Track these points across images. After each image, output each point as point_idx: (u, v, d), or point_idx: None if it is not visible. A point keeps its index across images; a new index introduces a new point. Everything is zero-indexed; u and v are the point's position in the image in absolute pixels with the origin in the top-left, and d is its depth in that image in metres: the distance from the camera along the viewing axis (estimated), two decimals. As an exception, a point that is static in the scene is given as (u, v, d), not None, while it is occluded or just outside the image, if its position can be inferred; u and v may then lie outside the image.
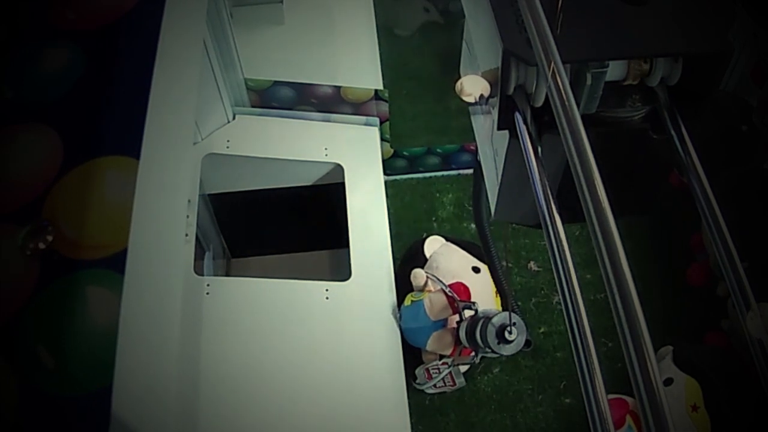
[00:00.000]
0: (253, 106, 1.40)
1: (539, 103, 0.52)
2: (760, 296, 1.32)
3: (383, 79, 1.48)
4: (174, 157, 0.80)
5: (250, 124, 1.37)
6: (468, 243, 1.32)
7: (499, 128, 0.54)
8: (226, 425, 1.03)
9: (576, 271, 0.44)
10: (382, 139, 1.42)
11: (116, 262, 0.71)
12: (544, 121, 0.52)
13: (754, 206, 1.29)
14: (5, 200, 0.78)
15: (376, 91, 1.38)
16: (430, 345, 1.18)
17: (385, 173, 1.37)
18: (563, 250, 0.43)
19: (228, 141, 1.33)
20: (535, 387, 1.36)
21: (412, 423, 1.07)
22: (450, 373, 1.22)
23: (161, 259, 0.74)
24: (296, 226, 1.55)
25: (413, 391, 1.22)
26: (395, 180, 1.58)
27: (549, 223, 0.45)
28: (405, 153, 1.56)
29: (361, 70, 1.47)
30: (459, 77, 0.57)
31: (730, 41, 0.50)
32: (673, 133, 0.54)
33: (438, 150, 1.56)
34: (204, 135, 1.32)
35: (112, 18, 0.92)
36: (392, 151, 1.53)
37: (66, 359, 0.67)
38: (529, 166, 0.50)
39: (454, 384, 1.25)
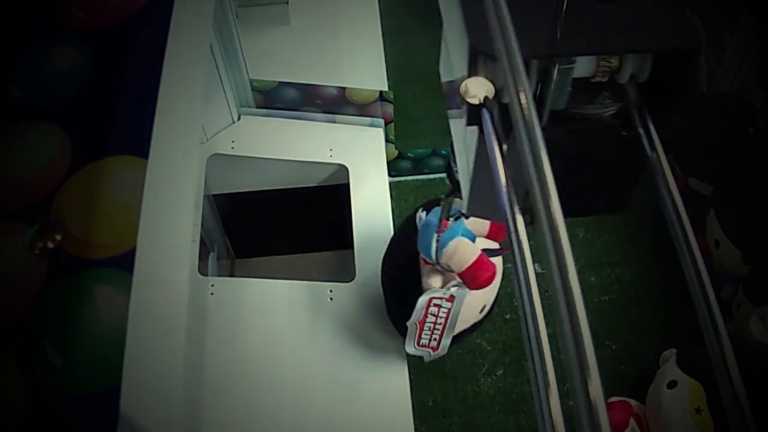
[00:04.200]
0: (257, 107, 1.40)
1: (507, 99, 0.51)
2: (763, 299, 1.32)
3: (388, 80, 1.48)
4: (182, 158, 0.80)
5: (254, 124, 1.38)
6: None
7: (469, 124, 0.54)
8: (230, 424, 1.03)
9: (535, 268, 0.43)
10: (387, 141, 1.42)
11: (124, 262, 0.71)
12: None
13: (758, 209, 1.29)
14: (13, 198, 0.78)
15: (381, 92, 1.39)
16: (447, 254, 0.97)
17: (389, 174, 1.38)
18: (523, 248, 0.42)
19: (233, 141, 1.34)
20: (539, 389, 1.36)
21: (415, 425, 1.07)
22: (444, 325, 1.01)
23: (169, 258, 0.74)
24: (300, 227, 1.55)
25: (416, 393, 1.21)
26: (400, 181, 1.58)
27: (511, 220, 0.44)
28: (410, 154, 1.56)
29: (366, 71, 1.48)
30: (463, 78, 0.57)
31: (699, 38, 0.50)
32: (641, 131, 0.54)
33: (443, 152, 1.56)
34: (209, 135, 1.32)
35: (121, 18, 0.92)
36: (397, 152, 1.53)
37: (74, 358, 0.68)
38: (494, 163, 0.49)
39: (436, 348, 1.05)
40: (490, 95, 0.57)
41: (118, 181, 0.79)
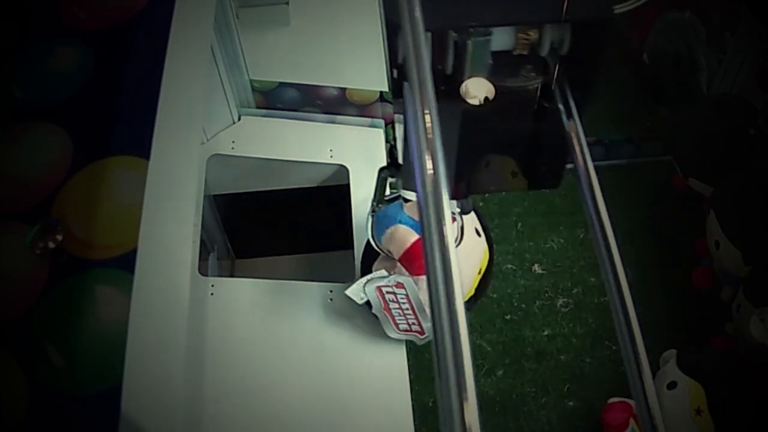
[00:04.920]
0: (258, 107, 1.40)
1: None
2: (763, 300, 1.33)
3: (389, 81, 1.48)
4: (182, 158, 0.80)
5: (255, 125, 1.38)
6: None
7: (394, 97, 0.54)
8: (230, 424, 1.03)
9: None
10: (387, 141, 1.42)
11: (125, 262, 0.71)
12: (438, 90, 0.51)
13: (758, 210, 1.29)
14: (14, 199, 0.78)
15: (381, 92, 1.39)
16: (385, 239, 1.00)
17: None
18: (438, 226, 0.40)
19: (233, 142, 1.34)
20: (539, 390, 1.36)
21: (415, 425, 1.07)
22: (412, 309, 0.99)
23: (170, 259, 0.74)
24: (301, 227, 1.55)
25: (416, 393, 1.21)
26: (400, 182, 1.58)
27: (425, 196, 0.43)
28: (409, 155, 1.56)
29: (367, 71, 1.48)
30: (463, 79, 0.57)
31: (612, 9, 0.49)
32: (560, 106, 0.53)
33: (442, 152, 1.56)
34: (209, 136, 1.32)
35: (122, 18, 0.92)
36: (397, 153, 1.53)
37: (76, 358, 0.68)
38: (410, 138, 0.48)
39: (422, 332, 1.03)
40: (491, 96, 0.56)
41: (119, 181, 0.79)
